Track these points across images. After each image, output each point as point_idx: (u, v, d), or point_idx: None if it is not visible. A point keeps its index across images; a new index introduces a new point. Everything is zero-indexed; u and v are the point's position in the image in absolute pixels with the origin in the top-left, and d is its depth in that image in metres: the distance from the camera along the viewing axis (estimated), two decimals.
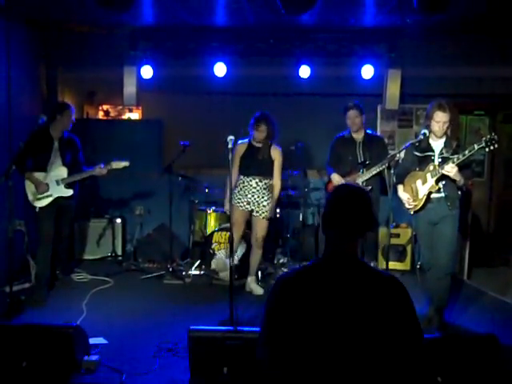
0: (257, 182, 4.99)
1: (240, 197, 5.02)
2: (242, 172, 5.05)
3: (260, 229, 5.06)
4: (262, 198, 5.00)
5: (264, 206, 5.00)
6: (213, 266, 5.66)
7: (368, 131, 5.26)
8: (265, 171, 5.01)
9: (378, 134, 6.15)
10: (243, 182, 5.03)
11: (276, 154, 5.05)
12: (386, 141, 6.02)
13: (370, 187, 5.03)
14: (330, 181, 5.33)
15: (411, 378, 1.77)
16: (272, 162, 5.03)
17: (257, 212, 5.02)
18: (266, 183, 5.01)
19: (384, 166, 4.87)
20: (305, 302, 1.78)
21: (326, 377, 1.74)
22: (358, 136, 5.19)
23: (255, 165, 4.99)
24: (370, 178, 5.04)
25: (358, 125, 5.13)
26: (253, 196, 4.99)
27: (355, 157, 5.14)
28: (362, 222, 1.88)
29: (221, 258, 5.56)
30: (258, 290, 5.12)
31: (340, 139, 5.30)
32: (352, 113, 5.09)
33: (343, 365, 1.73)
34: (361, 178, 5.06)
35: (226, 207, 5.12)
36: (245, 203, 5.01)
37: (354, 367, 1.73)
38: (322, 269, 1.86)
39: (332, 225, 1.89)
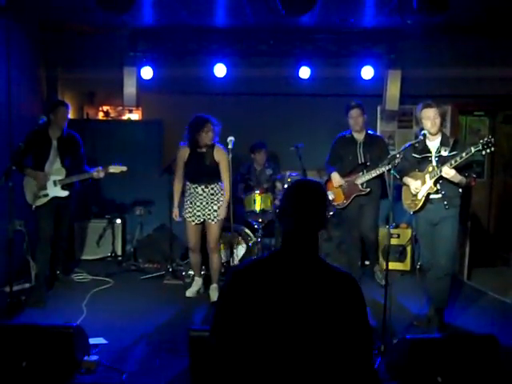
0: (203, 189, 4.78)
1: (190, 209, 4.83)
2: (187, 178, 4.88)
3: (213, 234, 4.85)
4: (212, 202, 4.79)
5: (215, 210, 4.79)
6: None
7: (369, 131, 5.25)
8: (210, 178, 4.79)
9: (379, 134, 6.13)
10: (190, 189, 4.84)
11: (221, 155, 4.77)
12: (386, 141, 6.02)
13: (368, 189, 5.04)
14: (329, 180, 5.32)
15: (359, 377, 1.76)
16: (217, 165, 4.79)
17: (208, 218, 4.81)
18: (212, 188, 4.80)
19: (384, 169, 4.83)
20: (254, 294, 1.77)
21: (274, 371, 1.72)
22: (360, 136, 5.17)
23: (200, 172, 4.78)
24: (369, 180, 5.03)
25: (361, 124, 5.10)
26: (201, 203, 4.79)
27: (356, 157, 5.13)
28: (313, 215, 1.86)
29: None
30: None
31: (341, 139, 5.28)
32: (355, 112, 5.07)
33: (291, 360, 1.72)
34: (360, 180, 5.05)
35: (175, 213, 4.97)
36: (196, 216, 4.81)
37: (302, 362, 1.72)
38: (274, 262, 1.84)
39: (284, 215, 1.89)
